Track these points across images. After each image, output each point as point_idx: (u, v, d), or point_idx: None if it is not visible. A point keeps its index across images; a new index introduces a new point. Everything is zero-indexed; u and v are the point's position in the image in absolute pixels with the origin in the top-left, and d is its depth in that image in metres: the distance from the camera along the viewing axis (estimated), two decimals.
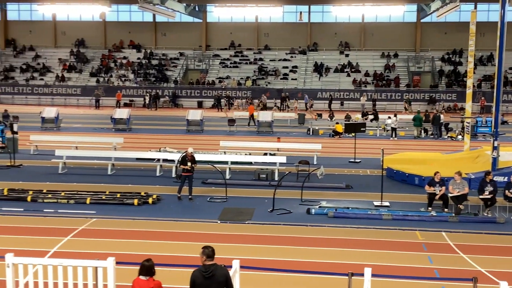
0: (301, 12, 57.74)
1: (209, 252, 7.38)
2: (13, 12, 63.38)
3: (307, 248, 12.62)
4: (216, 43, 60.45)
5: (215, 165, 19.61)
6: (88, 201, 16.20)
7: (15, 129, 23.83)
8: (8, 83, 55.91)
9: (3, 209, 15.46)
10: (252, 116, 37.37)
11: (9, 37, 62.88)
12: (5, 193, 16.90)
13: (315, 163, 22.54)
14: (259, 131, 33.75)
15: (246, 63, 57.83)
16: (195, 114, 35.14)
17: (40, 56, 60.10)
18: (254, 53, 59.09)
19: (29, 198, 16.40)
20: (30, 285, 8.64)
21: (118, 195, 16.84)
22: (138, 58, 59.16)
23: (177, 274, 10.22)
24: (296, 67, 56.67)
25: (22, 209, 15.47)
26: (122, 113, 35.31)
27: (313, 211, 15.53)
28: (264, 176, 20.03)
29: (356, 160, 23.90)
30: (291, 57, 58.01)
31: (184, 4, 52.23)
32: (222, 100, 49.56)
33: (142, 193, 17.14)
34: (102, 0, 45.64)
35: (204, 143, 27.78)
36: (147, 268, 7.45)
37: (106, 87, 53.74)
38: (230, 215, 15.25)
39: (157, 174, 20.66)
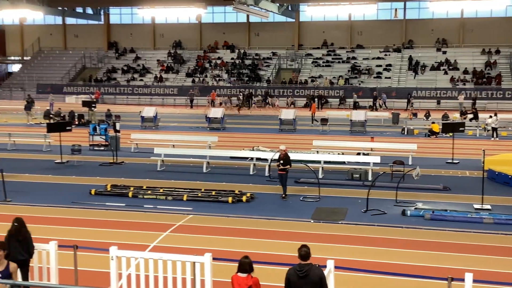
0: (396, 9, 56.44)
1: (303, 252, 7.41)
2: (115, 16, 66.56)
3: (402, 250, 12.34)
4: (309, 42, 60.35)
5: (308, 165, 19.60)
6: (185, 198, 16.72)
7: (117, 127, 24.97)
8: (110, 84, 58.74)
9: (106, 204, 16.27)
10: (313, 115, 37.70)
11: (111, 40, 66.06)
12: (109, 189, 17.78)
13: (410, 163, 21.97)
14: (352, 130, 33.35)
15: (339, 62, 57.30)
16: (288, 114, 35.29)
17: (140, 57, 62.67)
18: (347, 51, 58.44)
19: (130, 194, 17.17)
20: (132, 277, 9.03)
21: (213, 193, 17.24)
22: (232, 58, 60.23)
23: (272, 272, 10.32)
24: (390, 65, 55.45)
25: (124, 205, 16.22)
26: (216, 112, 36.10)
27: (408, 212, 15.15)
28: (358, 176, 19.78)
29: (454, 161, 23.04)
30: (385, 55, 56.83)
31: (277, 4, 52.52)
32: (314, 99, 49.44)
33: (236, 191, 17.45)
34: (198, 2, 46.83)
35: (297, 142, 27.83)
36: (245, 265, 7.58)
37: (201, 87, 55.15)
38: (323, 214, 15.20)
39: (251, 172, 20.94)
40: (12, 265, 8.32)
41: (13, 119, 40.14)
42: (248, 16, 58.91)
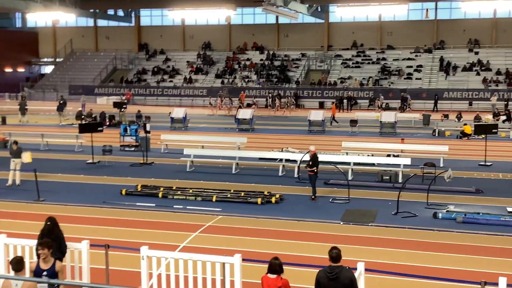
0: (427, 9, 55.74)
1: (334, 254, 7.37)
2: (146, 18, 67.24)
3: (434, 253, 12.16)
4: (338, 43, 60.06)
5: (337, 166, 19.49)
6: (214, 199, 16.78)
7: (147, 128, 25.19)
8: (141, 85, 59.36)
9: (137, 204, 16.43)
10: (333, 116, 37.90)
11: (142, 42, 66.75)
12: (139, 189, 17.95)
13: (441, 165, 21.67)
14: (382, 132, 33.05)
15: (369, 63, 56.88)
16: (316, 115, 35.15)
17: (169, 59, 63.19)
18: (376, 52, 57.98)
19: (160, 194, 17.31)
20: (162, 277, 9.10)
21: (242, 194, 17.27)
22: (261, 60, 60.29)
23: (302, 274, 10.29)
24: (421, 66, 54.81)
25: (154, 205, 16.35)
26: (245, 113, 36.16)
27: (440, 215, 14.94)
28: (388, 177, 19.58)
29: (487, 163, 22.65)
30: (416, 56, 56.20)
31: (307, 5, 52.41)
32: (344, 100, 49.21)
33: (266, 192, 17.44)
34: (228, 4, 47.01)
35: (326, 144, 27.71)
36: (275, 266, 7.57)
37: (230, 88, 55.32)
38: (352, 216, 15.09)
39: (280, 174, 20.92)
40: (58, 264, 8.37)
41: (46, 120, 40.85)
42: (277, 17, 58.88)
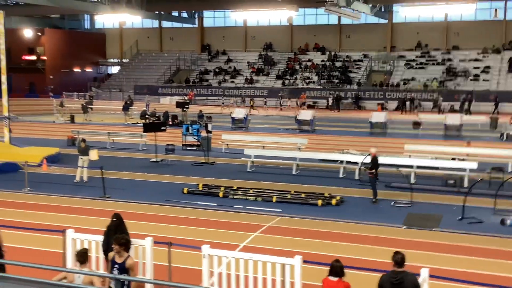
0: (496, 9, 53.91)
1: (398, 259, 7.24)
2: (209, 19, 68.14)
3: (502, 261, 11.74)
4: (402, 44, 58.94)
5: (399, 169, 19.12)
6: (274, 199, 16.80)
7: (209, 128, 25.53)
8: (203, 85, 60.19)
9: (198, 203, 16.66)
10: None
11: (204, 43, 67.69)
12: (200, 188, 18.21)
13: (510, 170, 20.89)
14: (447, 134, 32.19)
15: (433, 64, 55.52)
16: (378, 117, 34.62)
17: (231, 60, 63.78)
18: (442, 53, 56.51)
19: (221, 194, 17.49)
20: (223, 275, 9.18)
21: (303, 195, 17.22)
22: (322, 60, 59.94)
23: (363, 278, 10.15)
24: (488, 67, 53.02)
25: (215, 204, 16.53)
26: (306, 114, 36.03)
27: (508, 222, 14.41)
28: (452, 182, 19.03)
29: None
30: (483, 57, 54.42)
31: (370, 5, 51.66)
32: (406, 102, 48.28)
33: (326, 194, 17.32)
34: (290, 4, 46.97)
35: (388, 146, 27.23)
36: (337, 268, 7.51)
37: (291, 89, 55.27)
38: (415, 220, 14.76)
39: (340, 175, 20.73)
40: (129, 261, 8.54)
41: (112, 118, 42.04)
42: (339, 17, 58.37)
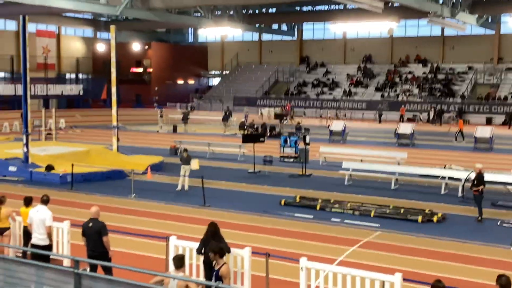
0: None
1: (504, 282, 6.91)
2: (308, 32, 68.48)
3: None
4: (510, 56, 56.11)
5: (507, 187, 18.18)
6: (372, 214, 16.53)
7: (307, 140, 25.54)
8: (300, 97, 60.42)
9: (295, 214, 16.72)
10: (460, 131, 35.73)
11: (303, 55, 68.02)
12: (298, 200, 18.26)
13: None
14: None
15: None
16: (484, 131, 33.13)
17: (330, 72, 63.61)
18: None
19: (318, 206, 17.44)
20: None
21: (402, 210, 16.79)
22: (424, 73, 58.31)
23: None
24: None
25: (312, 216, 16.51)
26: (406, 128, 35.18)
27: None
28: None
29: None
30: None
31: (476, 16, 49.69)
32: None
33: (426, 210, 16.79)
34: (391, 16, 46.20)
35: (494, 162, 25.97)
36: None
37: (390, 102, 54.18)
38: None
39: (442, 192, 20.02)
40: (223, 269, 8.75)
41: (211, 129, 43.15)
42: (443, 29, 56.63)
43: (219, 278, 8.55)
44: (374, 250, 13.37)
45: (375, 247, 13.61)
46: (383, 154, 26.93)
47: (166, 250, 10.91)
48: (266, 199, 18.99)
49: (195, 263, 10.49)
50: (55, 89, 50.65)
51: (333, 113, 51.85)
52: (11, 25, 54.77)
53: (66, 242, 11.59)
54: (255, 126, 38.46)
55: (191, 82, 71.60)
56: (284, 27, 66.88)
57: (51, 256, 10.72)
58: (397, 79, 58.89)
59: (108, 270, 9.80)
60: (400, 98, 55.10)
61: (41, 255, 9.75)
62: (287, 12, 60.01)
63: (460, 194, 19.33)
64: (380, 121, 50.30)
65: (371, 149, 29.67)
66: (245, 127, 39.11)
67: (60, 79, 57.12)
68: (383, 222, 15.76)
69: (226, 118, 42.37)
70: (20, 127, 28.70)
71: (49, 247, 10.98)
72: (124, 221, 15.75)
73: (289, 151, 26.62)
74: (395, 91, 57.02)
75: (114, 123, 26.23)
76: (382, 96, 56.54)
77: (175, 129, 41.32)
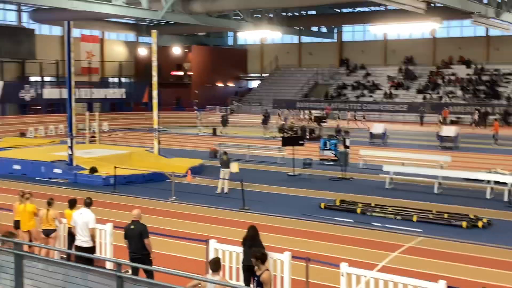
0: None
1: None
2: (348, 34, 67.95)
3: None
4: None
5: None
6: (414, 219, 16.23)
7: (347, 143, 25.33)
8: (340, 99, 59.95)
9: (335, 218, 16.57)
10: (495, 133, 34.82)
11: (343, 57, 67.50)
12: (338, 203, 18.09)
13: None
14: None
15: None
16: None
17: (370, 74, 62.92)
18: None
19: (358, 211, 17.24)
20: None
21: (445, 215, 16.44)
22: (468, 74, 57.08)
23: None
24: None
25: (352, 221, 16.33)
26: (449, 130, 34.50)
27: None
28: None
29: None
30: None
31: None
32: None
33: (471, 216, 16.40)
34: (434, 17, 45.38)
35: None
36: None
37: (432, 104, 53.23)
38: None
39: (487, 196, 19.52)
40: (264, 275, 8.64)
41: (251, 132, 43.22)
42: (487, 29, 55.32)
43: (260, 284, 8.49)
44: (416, 256, 13.12)
45: (417, 253, 13.36)
46: (425, 157, 26.40)
47: (206, 253, 10.95)
48: (306, 202, 18.89)
49: (235, 266, 10.50)
50: (99, 93, 51.74)
51: (353, 116, 51.16)
52: (57, 31, 56.02)
53: (108, 244, 11.75)
54: (294, 129, 38.34)
55: (230, 84, 71.90)
56: (323, 29, 66.50)
57: (94, 258, 10.88)
58: (440, 81, 57.82)
59: (149, 273, 9.89)
60: (443, 100, 54.09)
61: (85, 257, 9.91)
62: (327, 14, 59.61)
63: (506, 199, 18.82)
64: (422, 124, 49.42)
65: (413, 152, 29.15)
66: (285, 129, 39.02)
67: (104, 83, 58.16)
68: (426, 227, 15.47)
69: (265, 121, 42.37)
70: (65, 130, 29.26)
71: (92, 249, 11.16)
72: (164, 223, 15.89)
73: (329, 154, 26.47)
74: (438, 93, 56.00)
75: (155, 126, 26.55)
76: (424, 98, 55.59)
77: (214, 132, 41.56)
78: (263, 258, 8.87)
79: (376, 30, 54.88)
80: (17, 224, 12.63)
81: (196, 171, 24.03)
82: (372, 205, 17.85)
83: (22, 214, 12.46)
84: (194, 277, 8.39)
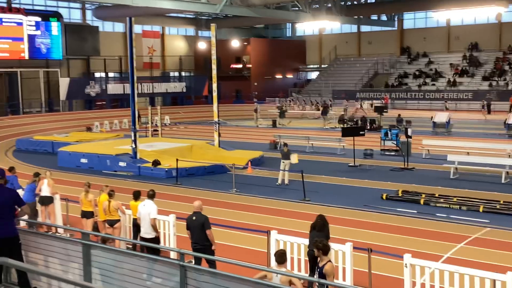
0: None
1: None
2: (409, 21, 66.35)
3: None
4: None
5: None
6: (481, 209, 15.77)
7: (409, 133, 24.83)
8: (401, 89, 58.75)
9: (398, 209, 16.30)
10: None
11: (404, 45, 66.04)
12: (400, 194, 17.79)
13: None
14: None
15: None
16: None
17: (432, 62, 61.31)
18: None
19: (422, 201, 16.89)
20: (426, 287, 8.86)
21: None
22: None
23: None
24: None
25: (415, 211, 16.03)
26: None
27: None
28: None
29: None
30: None
31: None
32: None
33: None
34: (499, 0, 43.76)
35: None
36: None
37: (499, 91, 51.37)
38: None
39: None
40: (327, 267, 8.58)
41: (310, 123, 43.04)
42: None
43: (323, 276, 8.45)
44: (483, 247, 12.76)
45: (484, 244, 12.99)
46: (492, 146, 25.61)
47: (267, 244, 11.03)
48: (367, 193, 18.68)
49: (296, 257, 10.52)
50: (160, 87, 52.80)
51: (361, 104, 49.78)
52: (119, 27, 57.42)
53: (172, 235, 12.02)
54: (354, 120, 37.92)
55: (289, 76, 71.73)
56: (383, 17, 65.23)
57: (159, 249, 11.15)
58: (507, 67, 55.70)
59: (211, 263, 10.05)
60: (510, 87, 52.12)
61: (151, 248, 10.19)
62: (387, 1, 58.46)
63: None
64: (489, 112, 47.69)
65: (479, 141, 28.27)
66: (345, 120, 38.65)
67: (165, 77, 59.23)
68: (493, 218, 15.01)
69: (325, 112, 42.09)
70: (129, 124, 30.04)
71: (156, 240, 11.43)
72: (225, 215, 16.09)
73: (390, 144, 26.04)
74: (505, 79, 53.99)
75: (215, 118, 26.86)
76: (490, 85, 53.72)
77: (274, 124, 41.62)
78: (324, 249, 8.79)
79: (439, 16, 53.48)
80: (88, 215, 13.21)
81: (256, 163, 24.16)
82: (436, 195, 17.46)
83: (100, 206, 12.80)
84: (261, 269, 8.46)
